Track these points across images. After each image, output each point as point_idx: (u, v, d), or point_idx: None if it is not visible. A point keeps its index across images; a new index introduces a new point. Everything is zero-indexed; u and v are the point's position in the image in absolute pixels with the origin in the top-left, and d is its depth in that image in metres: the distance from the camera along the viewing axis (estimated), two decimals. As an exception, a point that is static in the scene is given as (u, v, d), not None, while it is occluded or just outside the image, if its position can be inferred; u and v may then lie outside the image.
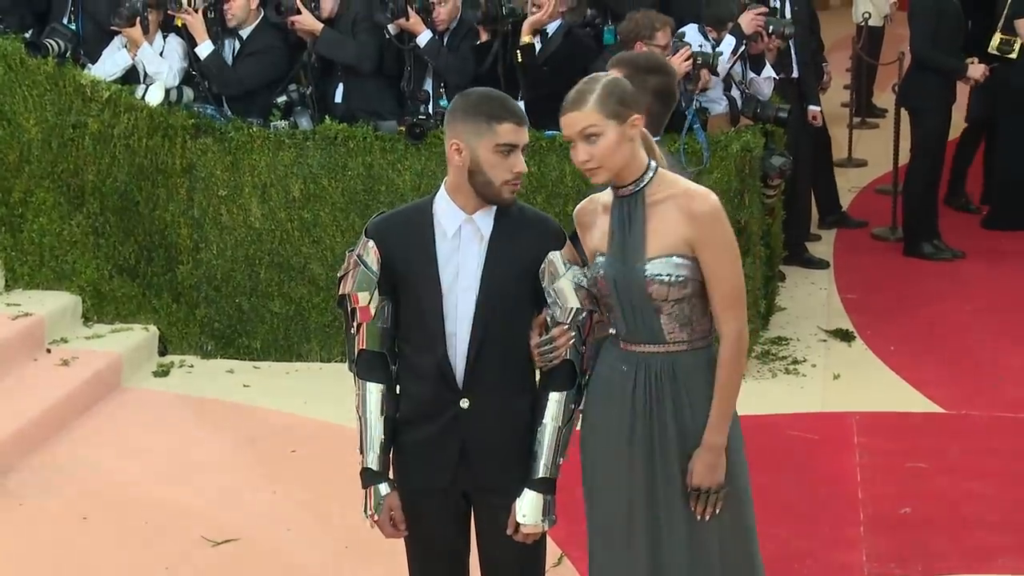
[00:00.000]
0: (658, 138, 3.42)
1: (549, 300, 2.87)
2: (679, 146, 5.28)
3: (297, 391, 5.62)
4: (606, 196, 2.94)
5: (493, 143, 2.79)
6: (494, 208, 2.87)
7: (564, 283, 2.86)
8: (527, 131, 2.83)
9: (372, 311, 2.90)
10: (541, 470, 2.88)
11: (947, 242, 7.51)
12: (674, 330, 2.86)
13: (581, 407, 2.98)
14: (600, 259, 2.88)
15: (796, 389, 5.63)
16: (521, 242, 2.87)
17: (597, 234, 2.91)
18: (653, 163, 2.88)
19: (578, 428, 2.99)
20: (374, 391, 2.93)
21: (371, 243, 2.91)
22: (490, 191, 2.82)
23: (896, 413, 5.37)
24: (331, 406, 5.32)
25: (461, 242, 2.87)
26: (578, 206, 3.00)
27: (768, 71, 6.27)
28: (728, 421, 2.87)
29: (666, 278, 2.81)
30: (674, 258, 2.81)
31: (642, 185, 2.85)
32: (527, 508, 2.88)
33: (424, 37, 5.83)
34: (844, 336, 6.25)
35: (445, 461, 2.90)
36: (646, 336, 2.87)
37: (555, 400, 2.90)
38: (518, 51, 5.73)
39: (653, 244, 2.82)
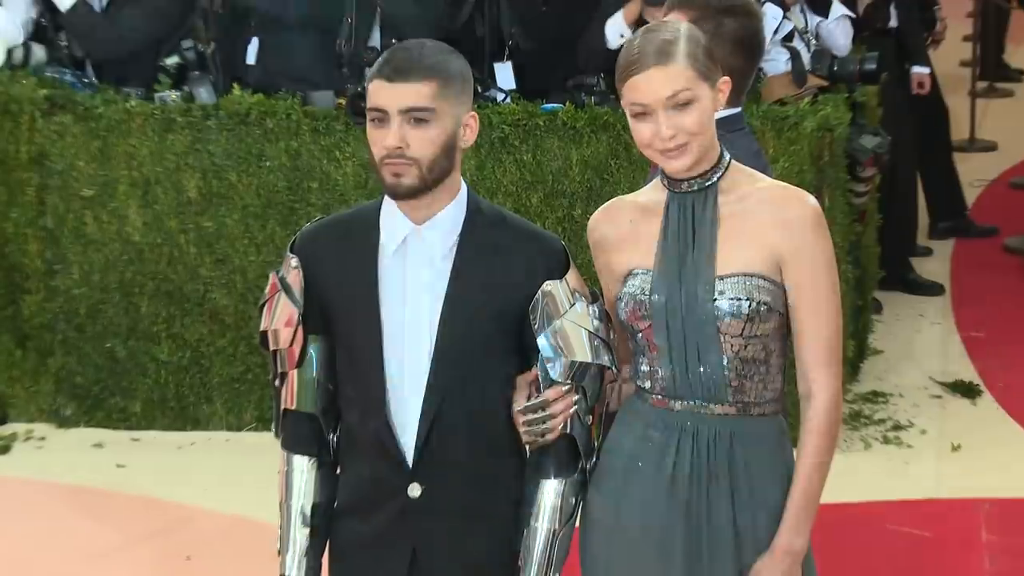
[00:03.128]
0: (738, 109, 3.43)
1: (543, 348, 2.86)
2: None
3: (194, 473, 5.59)
4: (645, 196, 2.96)
5: (368, 108, 2.84)
6: (459, 218, 2.88)
7: (567, 325, 2.85)
8: (411, 89, 2.76)
9: (297, 355, 2.91)
10: None
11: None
12: (742, 383, 2.87)
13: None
14: (639, 276, 2.89)
15: (899, 465, 5.63)
16: (501, 266, 2.87)
17: (636, 247, 2.91)
18: (726, 152, 2.91)
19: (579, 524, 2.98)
20: (301, 468, 2.94)
21: (294, 260, 2.93)
22: (379, 175, 2.84)
23: (1041, 499, 5.38)
24: (241, 494, 5.30)
25: (407, 264, 2.87)
26: (595, 216, 3.00)
27: (839, 9, 6.27)
28: (813, 517, 2.87)
29: (744, 306, 2.82)
30: (755, 279, 2.83)
31: (717, 176, 2.88)
32: None
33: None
34: (967, 391, 6.25)
35: (390, 571, 2.90)
36: (700, 389, 2.87)
37: (549, 492, 2.89)
38: None
39: (727, 258, 2.84)
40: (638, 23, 5.53)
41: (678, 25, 2.87)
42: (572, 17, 5.84)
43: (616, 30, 5.71)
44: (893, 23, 7.13)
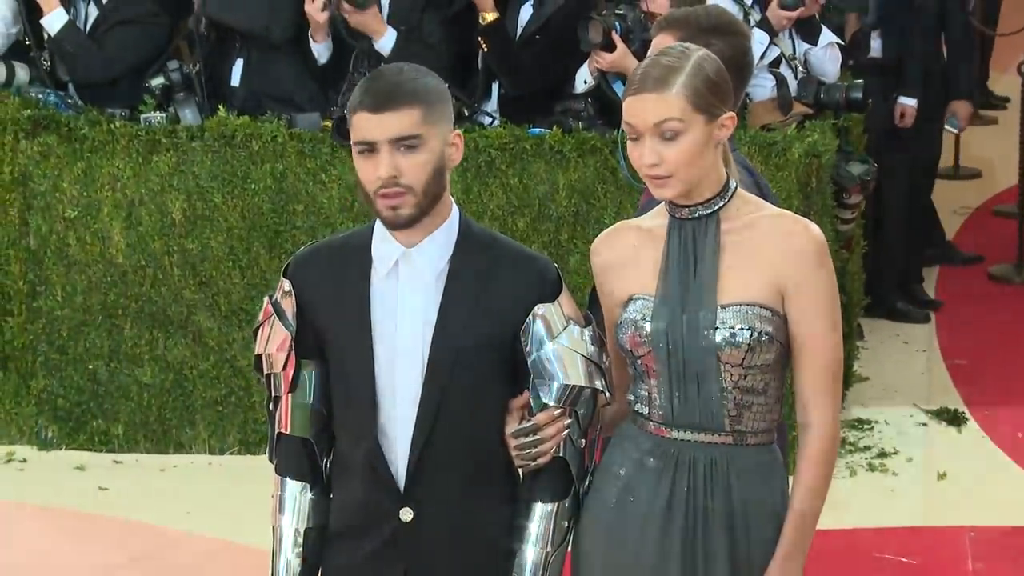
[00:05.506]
0: None
1: (534, 372, 2.88)
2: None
3: (177, 496, 5.59)
4: (650, 221, 2.96)
5: (354, 141, 2.85)
6: (451, 240, 2.89)
7: (560, 348, 2.86)
8: (396, 118, 2.77)
9: (290, 380, 2.93)
10: None
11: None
12: (740, 412, 2.87)
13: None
14: (640, 302, 2.89)
15: (885, 493, 5.65)
16: (492, 289, 2.89)
17: (637, 272, 2.92)
18: (733, 180, 2.92)
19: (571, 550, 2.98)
20: (293, 492, 2.96)
21: (287, 285, 2.95)
22: (373, 208, 2.85)
23: (1026, 527, 5.40)
24: (225, 517, 5.30)
25: (399, 286, 2.89)
26: (598, 239, 3.01)
27: (827, 36, 6.29)
28: (808, 546, 2.88)
29: (744, 336, 2.82)
30: (757, 309, 2.83)
31: (718, 205, 2.88)
32: None
33: (388, 40, 5.78)
34: (952, 418, 6.26)
35: None
36: (697, 418, 2.88)
37: (541, 515, 2.90)
38: (480, 39, 5.73)
39: (729, 287, 2.85)
40: (602, 73, 5.59)
41: (691, 52, 2.87)
42: (555, 68, 5.84)
43: (582, 76, 5.75)
44: (876, 54, 7.15)
